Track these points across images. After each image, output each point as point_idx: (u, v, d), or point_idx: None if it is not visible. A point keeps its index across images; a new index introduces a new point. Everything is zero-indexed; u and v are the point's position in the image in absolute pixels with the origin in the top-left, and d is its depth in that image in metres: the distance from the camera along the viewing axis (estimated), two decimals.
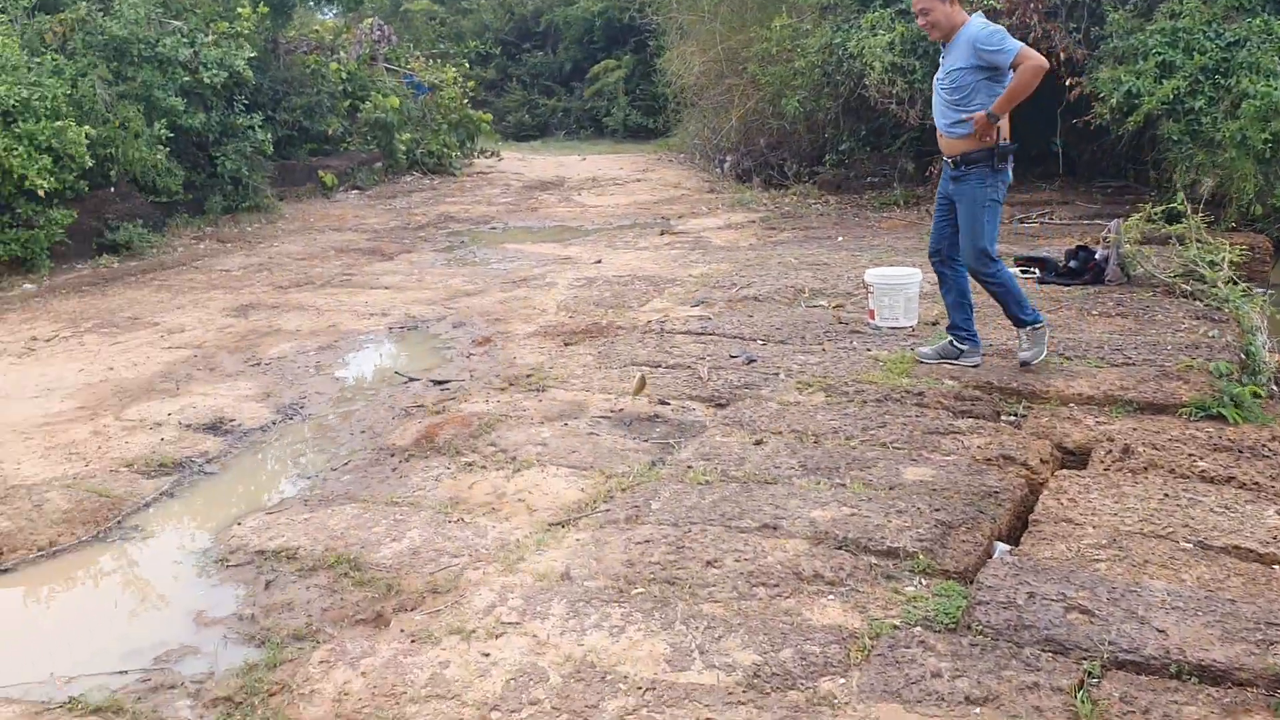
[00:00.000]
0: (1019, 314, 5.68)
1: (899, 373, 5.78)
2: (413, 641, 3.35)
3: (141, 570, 4.16)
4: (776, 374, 5.85)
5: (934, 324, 6.72)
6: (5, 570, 4.03)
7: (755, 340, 6.56)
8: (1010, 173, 5.54)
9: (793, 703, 2.98)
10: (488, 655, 3.24)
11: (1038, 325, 5.69)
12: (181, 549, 4.24)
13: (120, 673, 3.31)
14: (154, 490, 4.73)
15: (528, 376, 6.10)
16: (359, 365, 6.93)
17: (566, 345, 6.77)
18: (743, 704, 2.97)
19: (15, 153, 8.93)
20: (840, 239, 10.18)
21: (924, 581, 3.61)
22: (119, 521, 4.43)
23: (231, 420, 5.65)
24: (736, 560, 3.73)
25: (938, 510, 4.06)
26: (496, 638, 3.33)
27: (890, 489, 4.29)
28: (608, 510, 4.23)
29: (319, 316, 7.90)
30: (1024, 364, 5.69)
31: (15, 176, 8.93)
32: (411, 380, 6.28)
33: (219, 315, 8.02)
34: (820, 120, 12.87)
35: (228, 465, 5.12)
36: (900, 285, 6.75)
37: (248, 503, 4.73)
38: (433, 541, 4.05)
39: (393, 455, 5.02)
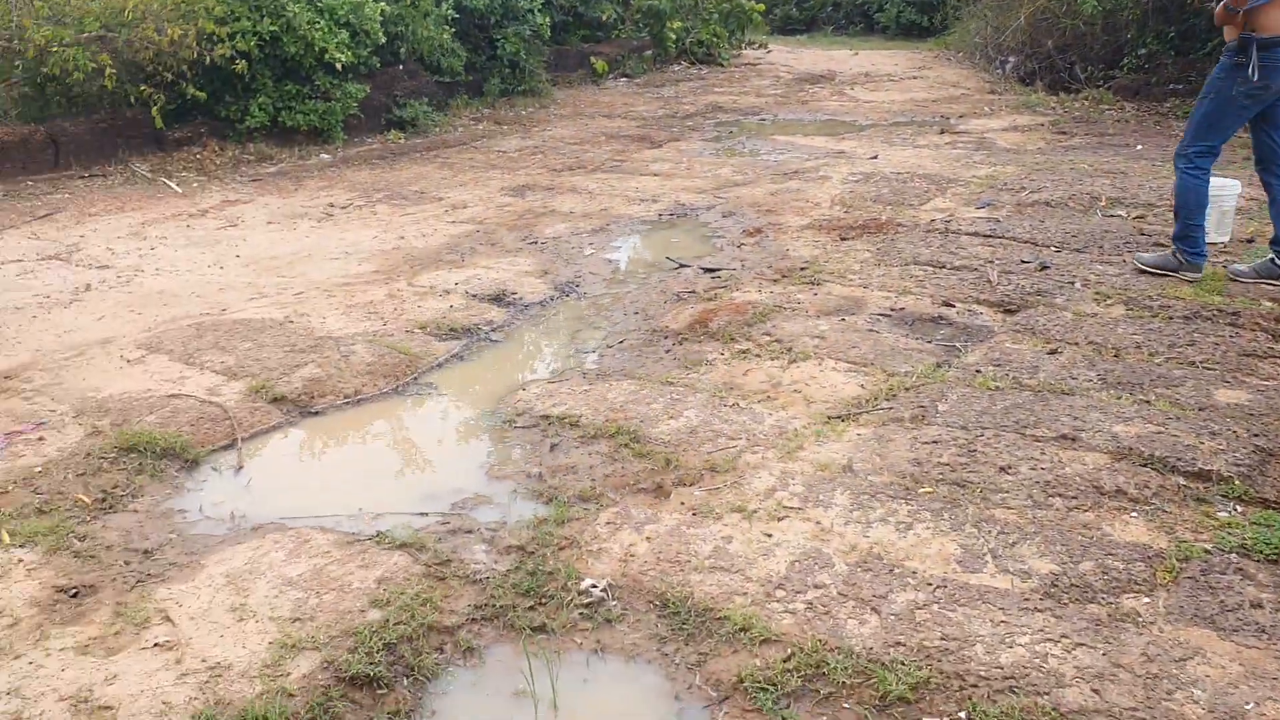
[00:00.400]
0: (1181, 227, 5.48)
1: (1210, 290, 5.27)
2: (694, 515, 3.37)
3: (437, 423, 4.39)
4: (1071, 283, 5.46)
5: (1249, 241, 6.07)
6: (316, 413, 4.35)
7: (1047, 247, 6.14)
8: (1260, 72, 4.94)
9: (1093, 616, 2.80)
10: (770, 536, 3.22)
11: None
12: (472, 407, 4.44)
13: (421, 514, 3.52)
14: (445, 352, 4.97)
15: (801, 269, 5.97)
16: (630, 249, 6.99)
17: (842, 240, 6.57)
18: (1039, 611, 2.82)
19: (317, 26, 9.48)
20: (1140, 147, 9.34)
21: (1239, 508, 3.30)
22: (415, 378, 4.68)
23: (513, 293, 5.84)
24: (1031, 469, 3.52)
25: (1256, 436, 3.69)
26: (778, 520, 3.31)
27: (1200, 410, 3.93)
28: (890, 408, 4.10)
29: (591, 200, 8.02)
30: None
31: (316, 49, 9.50)
32: (682, 266, 6.28)
33: (497, 194, 8.29)
34: (1121, 20, 11.75)
35: (511, 334, 5.30)
36: (1215, 197, 6.11)
37: (530, 370, 4.90)
38: (709, 423, 4.05)
39: (666, 337, 5.05)
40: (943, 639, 2.73)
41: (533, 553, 3.21)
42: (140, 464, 3.83)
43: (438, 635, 2.88)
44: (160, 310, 5.52)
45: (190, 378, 4.57)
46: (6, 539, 3.32)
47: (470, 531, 3.38)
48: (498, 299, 5.76)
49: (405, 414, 4.39)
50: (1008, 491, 3.40)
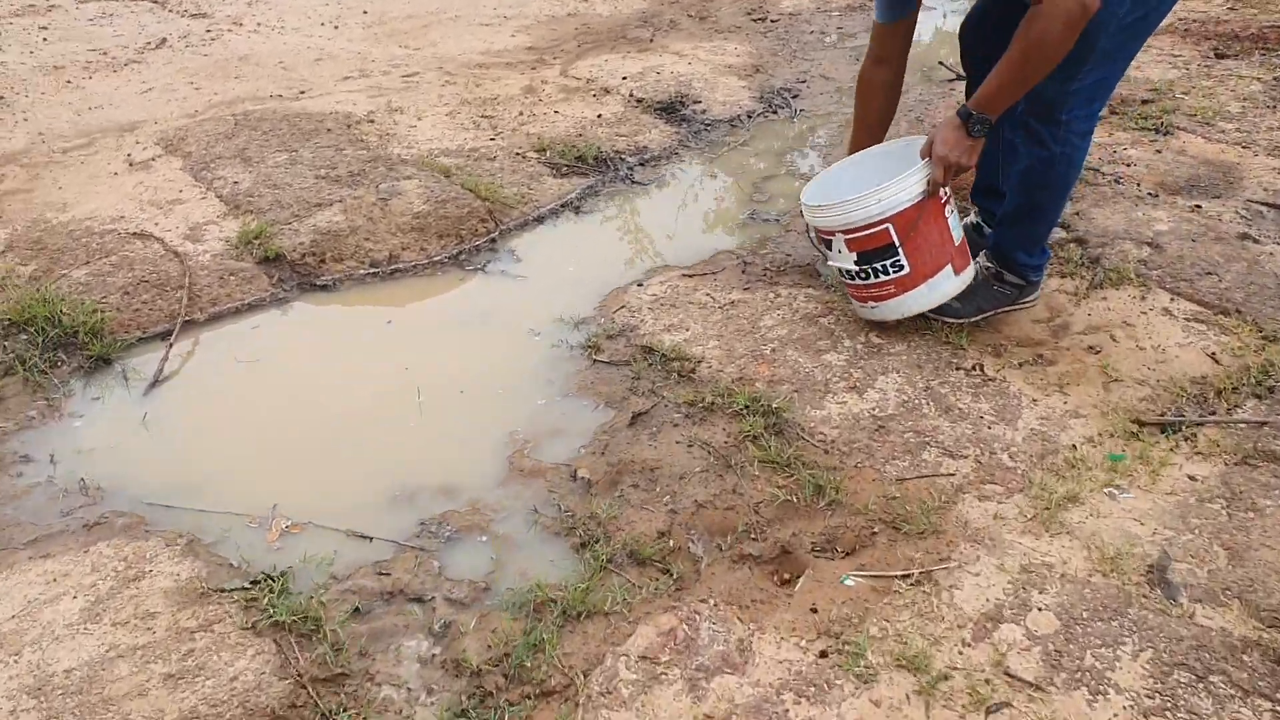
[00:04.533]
0: None
1: None
2: (822, 662, 1.67)
3: (476, 340, 2.80)
4: None
5: None
6: (322, 286, 2.87)
7: None
8: None
9: None
10: None
11: None
12: (545, 310, 2.79)
13: (363, 537, 2.01)
14: (554, 198, 3.31)
15: (1143, 102, 3.78)
16: None
17: (1218, 57, 4.20)
18: None
19: None
20: None
21: None
22: (490, 240, 3.08)
23: (696, 101, 4.02)
24: None
25: None
26: None
27: None
28: (1270, 409, 2.12)
29: None
30: None
31: None
32: (961, 79, 4.19)
33: None
34: None
35: (664, 176, 3.54)
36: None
37: (660, 251, 3.15)
38: (920, 409, 2.25)
39: None
40: None
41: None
42: (22, 354, 2.50)
43: None
44: (225, 85, 4.12)
45: (185, 203, 3.17)
46: None
47: (418, 600, 1.84)
48: (670, 109, 3.96)
49: (437, 311, 2.81)
50: None
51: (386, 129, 3.68)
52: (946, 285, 2.44)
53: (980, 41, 2.55)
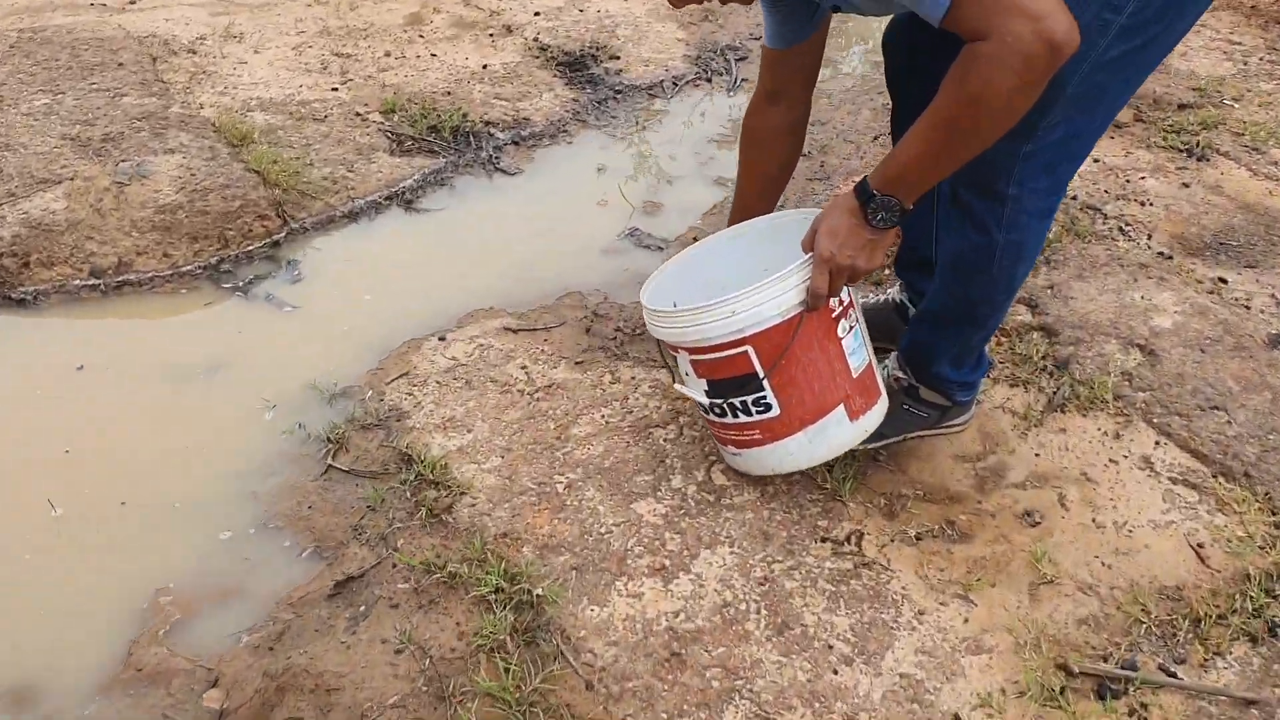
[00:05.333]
0: None
1: None
2: None
3: (195, 404, 2.08)
4: None
5: None
6: (19, 301, 2.13)
7: None
8: None
9: None
10: None
11: None
12: (306, 364, 2.06)
13: None
14: (378, 188, 2.54)
15: (1181, 107, 2.94)
16: None
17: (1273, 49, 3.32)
18: None
19: None
20: None
21: None
22: (268, 243, 2.33)
23: (614, 56, 3.19)
24: None
25: None
26: None
27: None
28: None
29: None
30: None
31: None
32: None
33: None
34: None
35: (542, 158, 2.75)
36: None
37: (478, 278, 2.38)
38: (741, 607, 1.52)
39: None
40: None
41: None
42: None
43: None
44: None
45: None
46: None
47: None
48: (578, 64, 3.14)
49: (151, 355, 2.05)
50: None
51: (205, 65, 2.90)
52: (839, 434, 1.66)
53: (910, 68, 1.74)
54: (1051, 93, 1.34)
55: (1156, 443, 1.87)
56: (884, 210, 1.42)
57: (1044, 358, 2.05)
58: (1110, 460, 1.84)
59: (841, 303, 1.60)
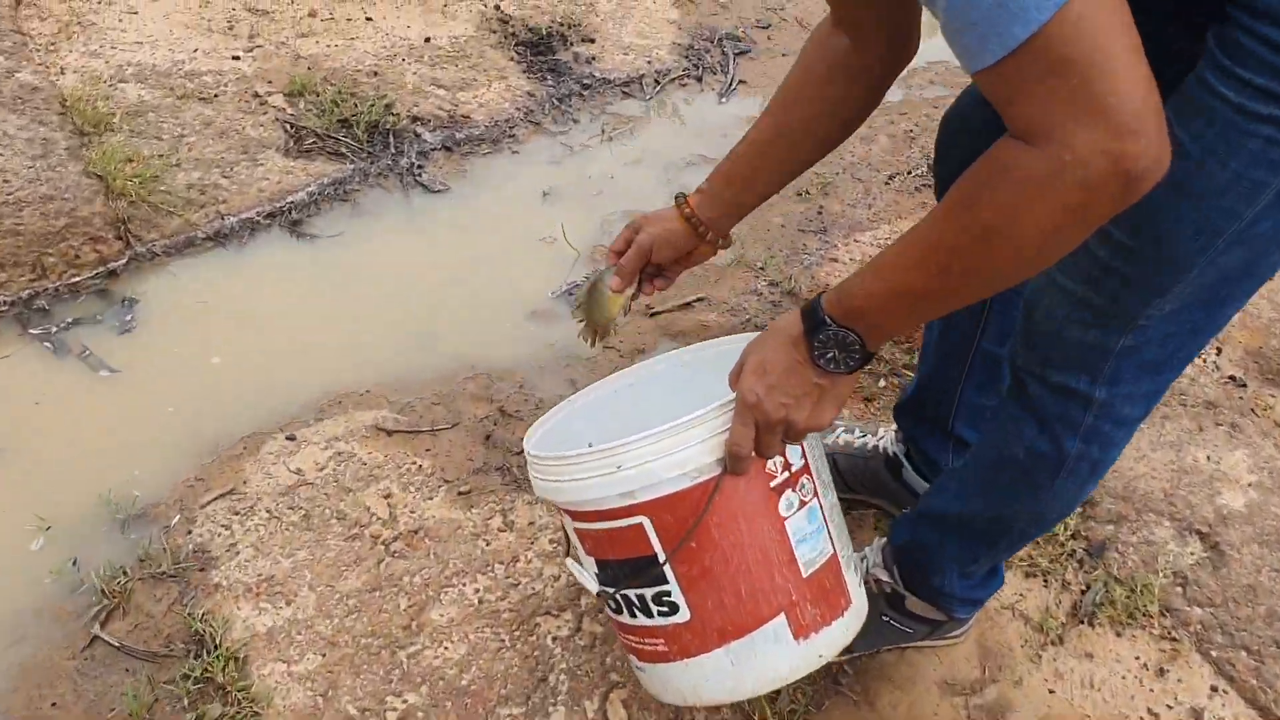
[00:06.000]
0: None
1: None
2: None
3: None
4: None
5: None
6: None
7: None
8: None
9: None
10: None
11: None
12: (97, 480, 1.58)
13: None
14: (258, 204, 2.03)
15: None
16: None
17: None
18: None
19: None
20: None
21: None
22: (71, 285, 1.82)
23: (588, 40, 2.65)
24: None
25: None
26: None
27: None
28: None
29: None
30: None
31: None
32: None
33: None
34: None
35: (464, 181, 2.23)
36: None
37: (347, 352, 1.88)
38: None
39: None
40: None
41: None
42: None
43: None
44: None
45: None
46: None
47: None
48: (543, 46, 2.60)
49: None
50: None
51: (84, 13, 2.36)
52: (776, 658, 1.14)
53: (965, 148, 1.17)
54: (1169, 274, 0.86)
55: (1214, 688, 1.39)
56: (837, 348, 0.91)
57: (1073, 536, 1.56)
58: (1150, 712, 1.36)
59: (788, 467, 1.09)
